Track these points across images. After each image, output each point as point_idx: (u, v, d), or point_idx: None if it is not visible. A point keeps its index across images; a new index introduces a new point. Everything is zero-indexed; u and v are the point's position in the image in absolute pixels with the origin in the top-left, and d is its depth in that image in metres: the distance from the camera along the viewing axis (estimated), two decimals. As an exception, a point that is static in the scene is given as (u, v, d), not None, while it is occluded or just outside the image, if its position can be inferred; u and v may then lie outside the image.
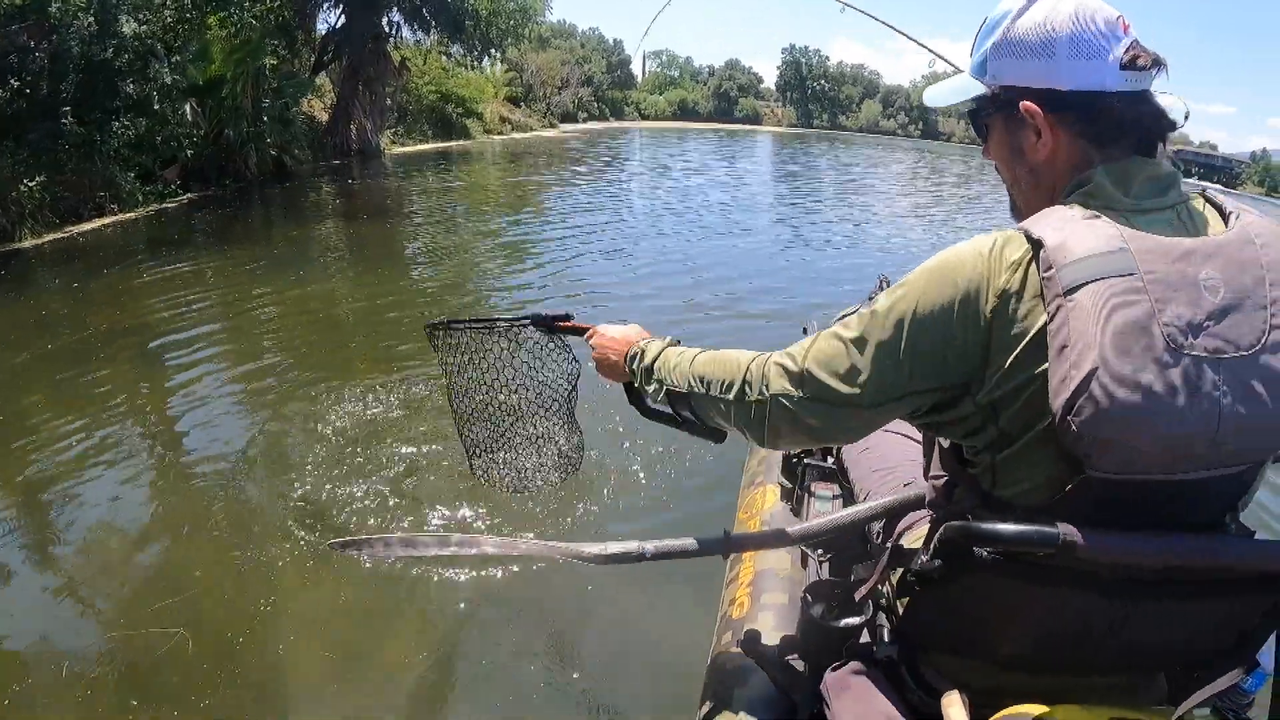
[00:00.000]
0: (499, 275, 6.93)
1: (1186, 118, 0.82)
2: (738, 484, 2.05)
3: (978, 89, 0.87)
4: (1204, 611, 0.79)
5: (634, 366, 1.10)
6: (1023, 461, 0.77)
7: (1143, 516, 0.73)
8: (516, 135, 26.09)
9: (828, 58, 62.30)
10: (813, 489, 1.62)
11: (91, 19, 7.90)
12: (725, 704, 1.17)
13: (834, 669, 0.99)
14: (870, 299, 0.96)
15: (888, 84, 64.79)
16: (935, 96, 0.96)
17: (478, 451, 1.60)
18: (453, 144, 20.24)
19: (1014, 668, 0.86)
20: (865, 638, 1.03)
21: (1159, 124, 0.80)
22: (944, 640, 0.91)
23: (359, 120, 14.67)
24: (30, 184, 6.90)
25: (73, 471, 2.93)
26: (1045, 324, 0.71)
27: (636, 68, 56.07)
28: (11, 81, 7.37)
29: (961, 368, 0.77)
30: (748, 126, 51.11)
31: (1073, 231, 0.72)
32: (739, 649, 1.18)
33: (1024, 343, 0.73)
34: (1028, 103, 0.81)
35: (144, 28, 8.51)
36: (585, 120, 39.02)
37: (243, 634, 2.11)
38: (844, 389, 0.82)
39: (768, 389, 0.87)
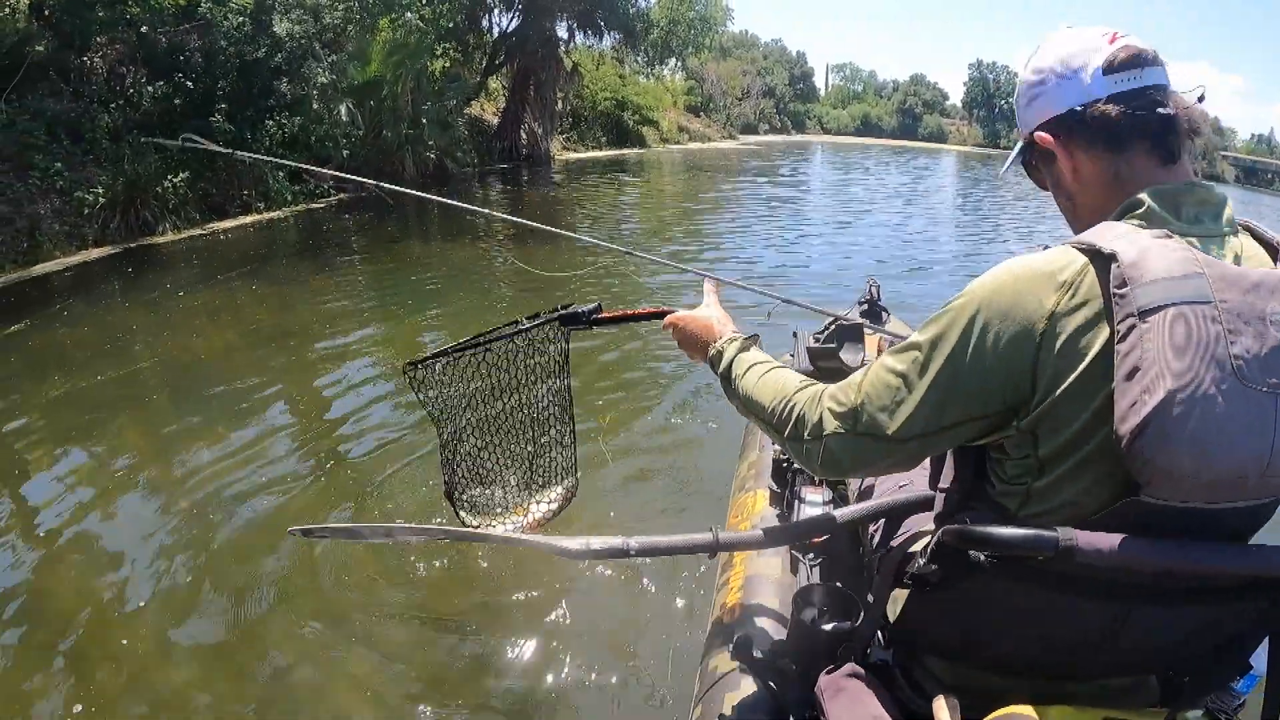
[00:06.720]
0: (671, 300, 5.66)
1: (1201, 99, 0.81)
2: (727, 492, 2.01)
3: (1019, 144, 0.92)
4: (1199, 616, 0.78)
5: (716, 365, 1.10)
6: (1064, 482, 0.75)
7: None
8: (694, 145, 25.20)
9: (1016, 75, 55.60)
10: (802, 494, 1.56)
11: (244, 19, 7.74)
12: (717, 709, 1.16)
13: (828, 672, 0.99)
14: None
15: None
16: (1003, 168, 0.99)
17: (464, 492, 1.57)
18: (627, 151, 19.58)
19: (1008, 672, 0.86)
20: (859, 641, 0.99)
21: (1157, 115, 0.78)
22: (939, 644, 0.91)
23: (529, 125, 14.29)
24: (175, 179, 6.66)
25: (211, 479, 2.74)
26: (1109, 343, 0.69)
27: (820, 80, 53.86)
28: (176, 76, 7.30)
29: (1006, 395, 0.75)
30: (932, 145, 46.68)
31: (1146, 249, 0.69)
32: (730, 654, 1.20)
33: (1080, 364, 0.71)
34: (1040, 133, 0.85)
35: (299, 27, 8.29)
36: (765, 132, 37.79)
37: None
38: (891, 426, 0.80)
39: (822, 431, 0.85)
